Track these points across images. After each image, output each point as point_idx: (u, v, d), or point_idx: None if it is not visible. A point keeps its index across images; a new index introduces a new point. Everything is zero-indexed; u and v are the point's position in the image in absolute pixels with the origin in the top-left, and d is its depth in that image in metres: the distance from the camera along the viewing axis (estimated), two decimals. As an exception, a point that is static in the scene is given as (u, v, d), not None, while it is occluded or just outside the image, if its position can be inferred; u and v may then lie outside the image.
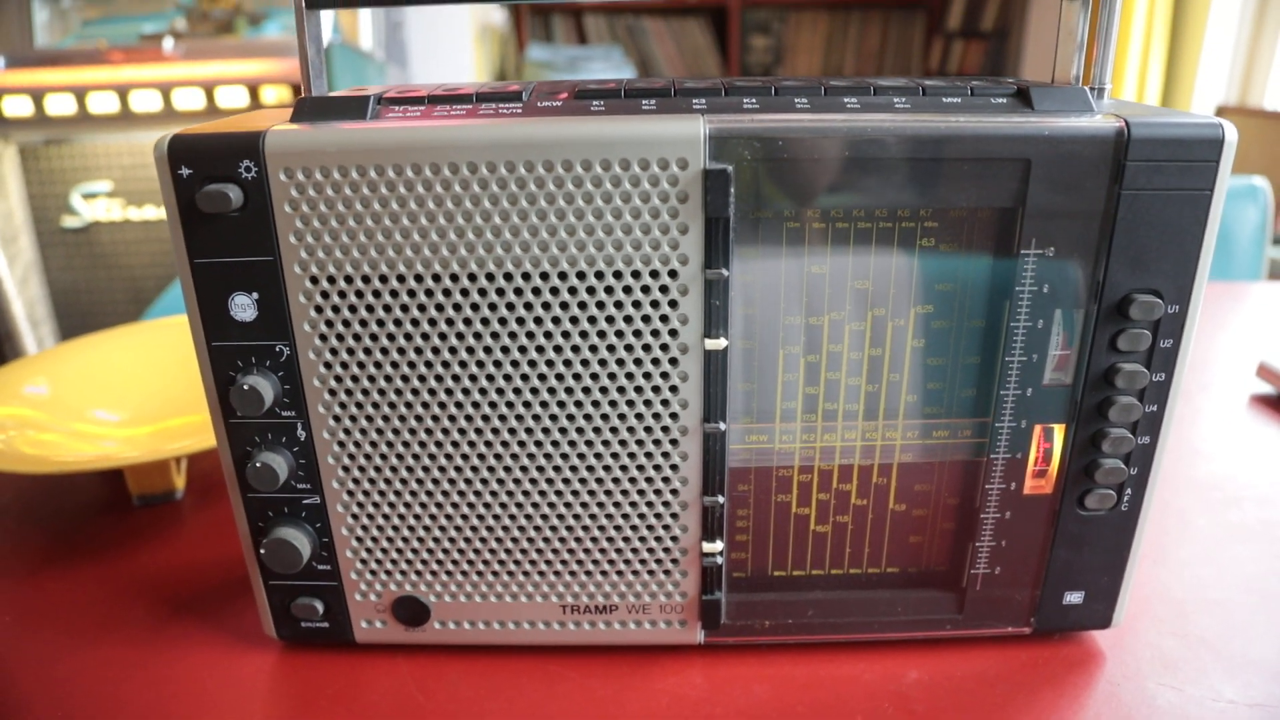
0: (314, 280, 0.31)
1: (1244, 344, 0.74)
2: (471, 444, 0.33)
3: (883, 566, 0.37)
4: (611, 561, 0.35)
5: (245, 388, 0.31)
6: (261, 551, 0.34)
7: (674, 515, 0.34)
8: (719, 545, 0.34)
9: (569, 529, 0.34)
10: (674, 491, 0.34)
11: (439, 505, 0.34)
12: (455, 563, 0.35)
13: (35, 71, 1.24)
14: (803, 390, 0.33)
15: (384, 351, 0.31)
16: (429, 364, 0.32)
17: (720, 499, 0.34)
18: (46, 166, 1.36)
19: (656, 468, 0.33)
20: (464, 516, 0.34)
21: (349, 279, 0.30)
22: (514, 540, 0.35)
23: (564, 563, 0.35)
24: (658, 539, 0.35)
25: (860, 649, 0.37)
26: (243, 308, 0.31)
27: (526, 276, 0.30)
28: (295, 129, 0.29)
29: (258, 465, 0.32)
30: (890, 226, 0.31)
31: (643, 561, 0.35)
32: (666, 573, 0.35)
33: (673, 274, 0.30)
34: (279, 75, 1.23)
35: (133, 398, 0.55)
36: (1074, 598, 0.36)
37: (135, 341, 0.59)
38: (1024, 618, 0.36)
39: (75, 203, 1.39)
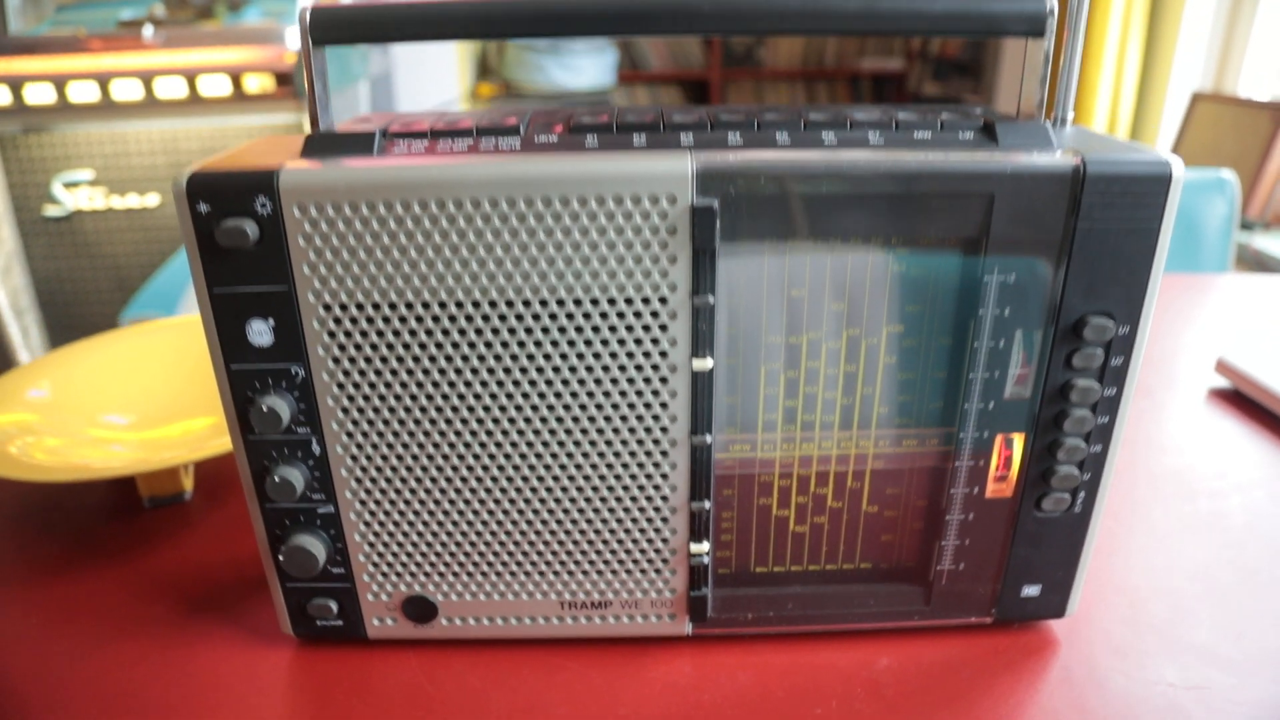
0: (327, 308, 0.33)
1: (1207, 338, 0.78)
2: (476, 456, 0.35)
3: (856, 562, 0.39)
4: (606, 562, 0.38)
5: (265, 409, 0.33)
6: (280, 558, 0.36)
7: (664, 519, 0.37)
8: (705, 546, 0.37)
9: (566, 533, 0.37)
10: (664, 498, 0.36)
11: (445, 512, 0.36)
12: (461, 565, 0.38)
13: (13, 60, 1.23)
14: (783, 403, 0.36)
15: (393, 373, 0.34)
16: (436, 384, 0.34)
17: (706, 504, 0.36)
18: (26, 155, 1.35)
19: (648, 476, 0.36)
20: (469, 523, 0.37)
21: (360, 306, 0.33)
22: (515, 543, 0.37)
23: (562, 563, 0.38)
24: (649, 541, 0.37)
25: (836, 638, 0.40)
26: (259, 333, 0.33)
27: (526, 303, 0.32)
28: (308, 166, 0.31)
29: (276, 480, 0.34)
30: (865, 254, 0.33)
31: (635, 561, 0.38)
32: (657, 571, 0.38)
33: (663, 300, 0.33)
34: (262, 63, 1.23)
35: (139, 400, 0.57)
36: (1031, 590, 0.39)
37: (137, 344, 0.60)
38: (986, 608, 0.40)
39: (57, 191, 1.38)
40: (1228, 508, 0.50)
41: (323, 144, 0.33)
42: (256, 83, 1.22)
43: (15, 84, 1.23)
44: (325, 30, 0.32)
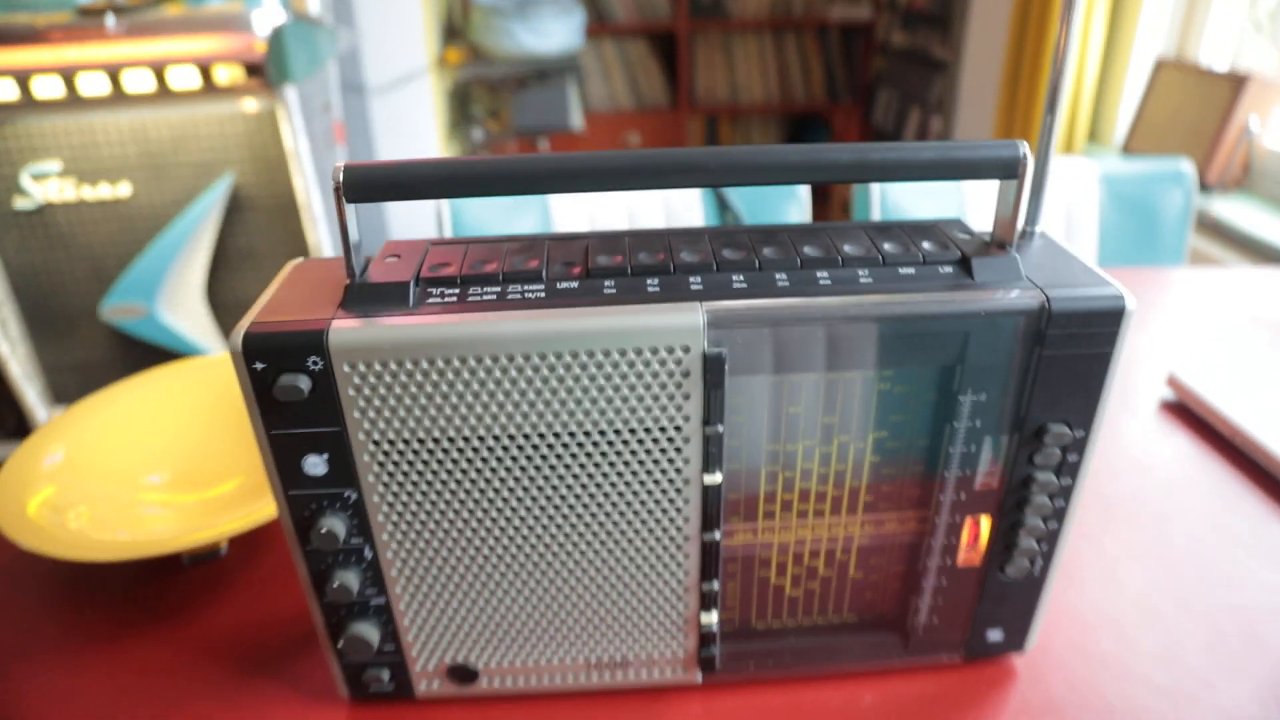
0: (375, 443, 0.36)
1: (1161, 341, 0.83)
2: (513, 556, 0.40)
3: (844, 616, 0.45)
4: (628, 632, 0.43)
5: (323, 531, 0.37)
6: (340, 645, 0.41)
7: (678, 597, 0.42)
8: (714, 615, 0.42)
9: (594, 612, 0.42)
10: (678, 581, 0.41)
11: (485, 601, 0.41)
12: (499, 640, 0.42)
13: (-29, 53, 1.19)
14: (780, 497, 0.40)
15: (438, 494, 0.38)
16: (476, 502, 0.38)
17: (715, 584, 0.41)
18: (-8, 147, 1.33)
19: (665, 565, 0.41)
20: (506, 608, 0.41)
21: (405, 441, 0.36)
22: (548, 621, 0.42)
23: (589, 635, 0.43)
24: (665, 614, 0.42)
25: (826, 679, 0.46)
26: (314, 465, 0.37)
27: (556, 435, 0.36)
28: (353, 325, 0.34)
29: (335, 585, 0.39)
30: (855, 378, 0.37)
31: (653, 630, 0.43)
32: (672, 636, 0.43)
33: (677, 428, 0.37)
34: (230, 53, 1.21)
35: (162, 455, 0.60)
36: (995, 635, 0.45)
37: (148, 394, 0.63)
38: (956, 650, 0.45)
39: (25, 184, 1.36)
40: (1170, 533, 0.56)
41: (361, 295, 0.36)
42: (226, 74, 1.20)
43: (-26, 78, 1.20)
44: (358, 190, 0.35)
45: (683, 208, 1.09)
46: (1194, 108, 1.70)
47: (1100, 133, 2.01)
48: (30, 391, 1.61)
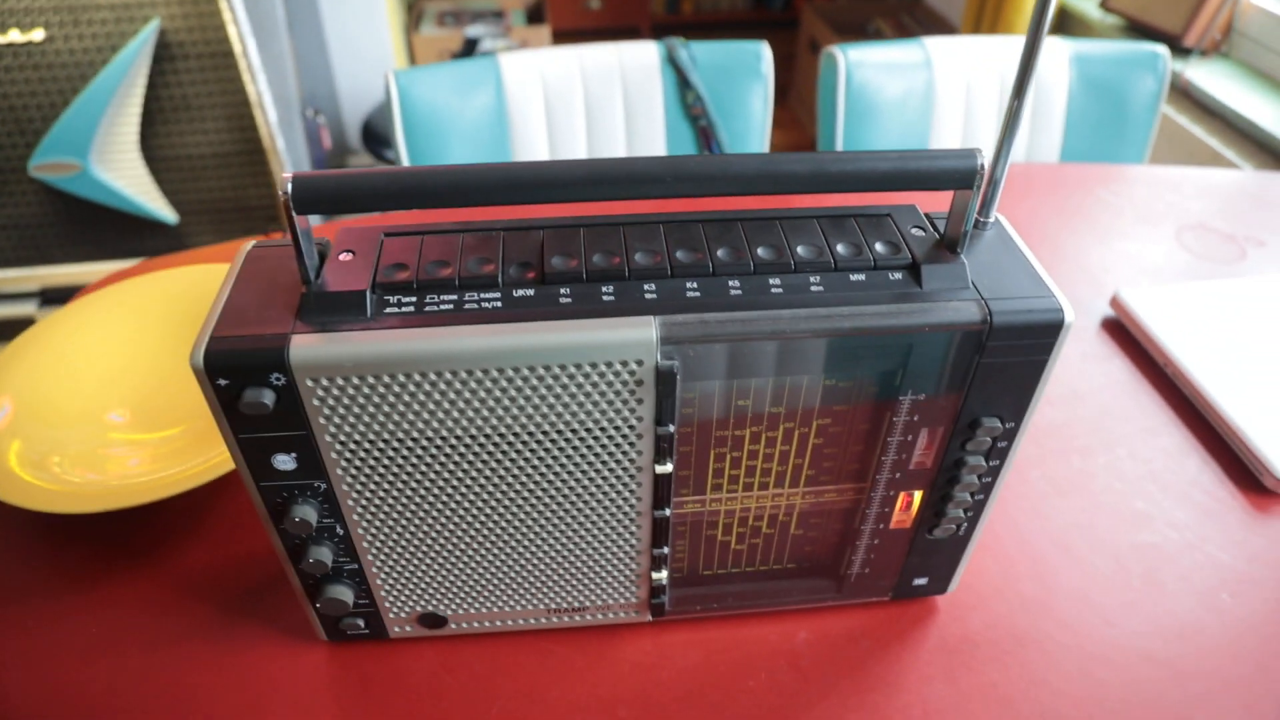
0: (342, 443, 0.37)
1: (1110, 252, 0.85)
2: (477, 530, 0.42)
3: (784, 564, 0.49)
4: (585, 585, 0.46)
5: (296, 519, 0.39)
6: (318, 606, 0.44)
7: (630, 559, 0.45)
8: (664, 574, 0.46)
9: (553, 571, 0.45)
10: (632, 547, 0.44)
11: (452, 566, 0.44)
12: (465, 594, 0.46)
13: None
14: (728, 473, 0.43)
15: (404, 482, 0.39)
16: (440, 489, 0.40)
17: (665, 549, 0.45)
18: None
19: (620, 535, 0.43)
20: (471, 571, 0.44)
21: (371, 441, 0.38)
22: (511, 580, 0.45)
23: (548, 589, 0.46)
24: (619, 571, 0.46)
25: (765, 617, 0.51)
26: (284, 462, 0.38)
27: (515, 435, 0.38)
28: (313, 343, 0.34)
29: (311, 560, 0.41)
30: (801, 378, 0.39)
31: (607, 584, 0.47)
32: (625, 589, 0.47)
33: (631, 427, 0.38)
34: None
35: (123, 387, 0.60)
36: (921, 581, 0.50)
37: (85, 322, 0.62)
38: (885, 592, 0.50)
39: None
40: (1094, 468, 0.61)
41: (318, 304, 0.36)
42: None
43: None
44: (308, 203, 0.34)
45: (642, 84, 1.04)
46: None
47: (1085, -19, 1.91)
48: (-33, 254, 1.55)
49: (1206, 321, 0.71)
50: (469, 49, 2.09)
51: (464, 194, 0.34)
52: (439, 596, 0.46)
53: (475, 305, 0.36)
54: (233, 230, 1.63)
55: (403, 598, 0.46)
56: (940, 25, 2.50)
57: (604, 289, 0.37)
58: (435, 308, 0.36)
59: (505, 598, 0.47)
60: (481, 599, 0.46)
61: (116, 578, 0.52)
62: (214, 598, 0.51)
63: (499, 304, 0.36)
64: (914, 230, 0.40)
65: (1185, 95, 1.55)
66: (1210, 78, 1.55)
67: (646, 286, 0.37)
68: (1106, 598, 0.52)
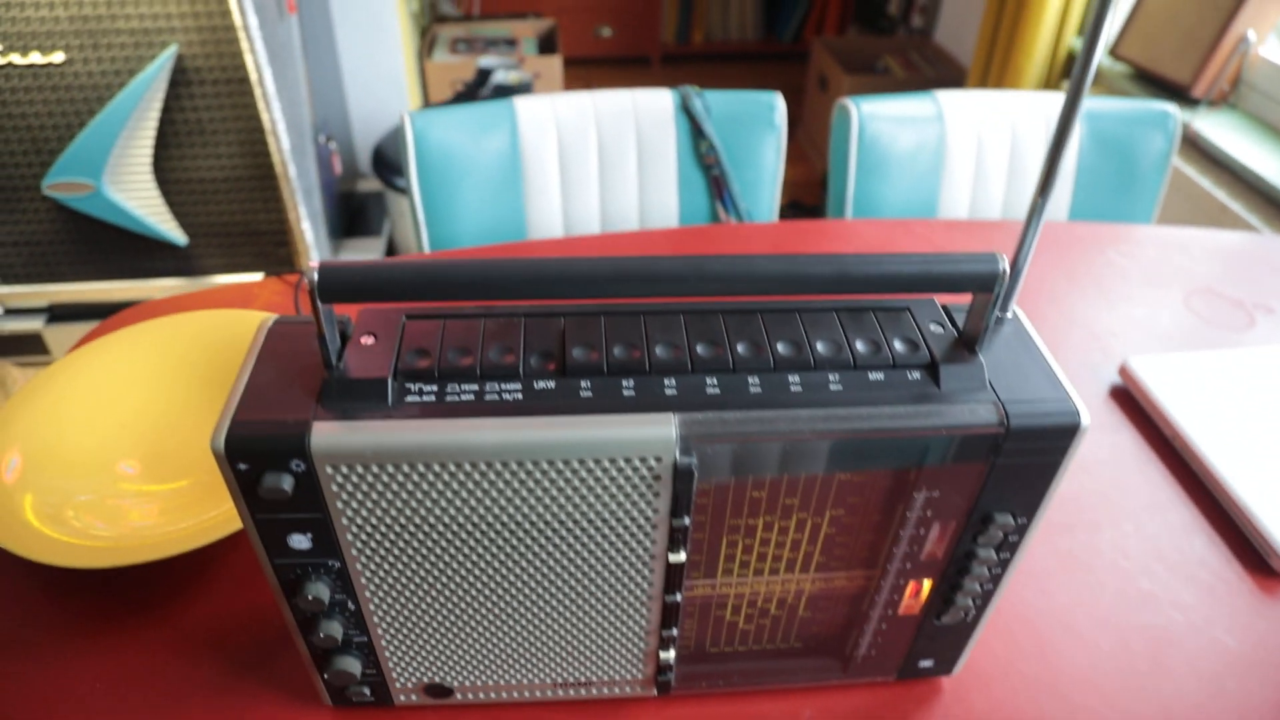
0: (359, 526, 0.38)
1: (1118, 317, 0.85)
2: (488, 609, 0.42)
3: (790, 643, 0.49)
4: (592, 662, 0.46)
5: (310, 596, 0.39)
6: (325, 676, 0.44)
7: (639, 639, 0.45)
8: (671, 653, 0.46)
9: (561, 649, 0.45)
10: (640, 626, 0.44)
11: (462, 642, 0.44)
12: (471, 670, 0.46)
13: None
14: (739, 558, 0.43)
15: (419, 564, 0.39)
16: (455, 570, 0.40)
17: (674, 630, 0.45)
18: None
19: (629, 617, 0.43)
20: (480, 648, 0.44)
21: (388, 525, 0.38)
22: (518, 656, 0.45)
23: (556, 664, 0.46)
24: (627, 649, 0.46)
25: (770, 694, 0.51)
26: (299, 542, 0.38)
27: (533, 523, 0.38)
28: (334, 431, 0.35)
29: (322, 635, 0.41)
30: (816, 471, 0.39)
31: (614, 661, 0.46)
32: (631, 664, 0.47)
33: (646, 518, 0.38)
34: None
35: (132, 435, 0.60)
36: (927, 663, 0.50)
37: (91, 367, 0.62)
38: (890, 672, 0.50)
39: (-51, 52, 1.26)
40: (1100, 543, 0.61)
41: (340, 390, 0.36)
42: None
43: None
44: (333, 293, 0.34)
45: (656, 130, 1.05)
46: (1192, 12, 1.64)
47: (1095, 28, 1.93)
48: (-24, 270, 1.56)
49: (1215, 393, 0.71)
50: (482, 79, 2.11)
51: (488, 289, 0.34)
52: (446, 668, 0.46)
53: (496, 396, 0.36)
54: (242, 253, 1.64)
55: (410, 668, 0.46)
56: (949, 63, 2.52)
57: (624, 383, 0.37)
58: (456, 397, 0.36)
59: (512, 671, 0.46)
60: (489, 672, 0.46)
61: (121, 629, 0.52)
62: (218, 654, 0.51)
63: (520, 395, 0.36)
64: (933, 326, 0.40)
65: (1193, 146, 1.56)
66: (1218, 129, 1.56)
67: (667, 381, 0.37)
68: (1111, 681, 0.52)
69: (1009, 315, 0.42)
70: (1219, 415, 0.69)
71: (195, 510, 0.56)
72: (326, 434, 0.35)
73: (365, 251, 1.98)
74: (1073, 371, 0.77)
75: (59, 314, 1.71)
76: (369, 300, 0.35)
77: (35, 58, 1.32)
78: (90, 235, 1.57)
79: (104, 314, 1.68)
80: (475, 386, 0.37)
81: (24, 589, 0.54)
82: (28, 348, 1.72)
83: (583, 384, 0.37)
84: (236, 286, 0.83)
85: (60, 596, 0.54)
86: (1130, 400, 0.74)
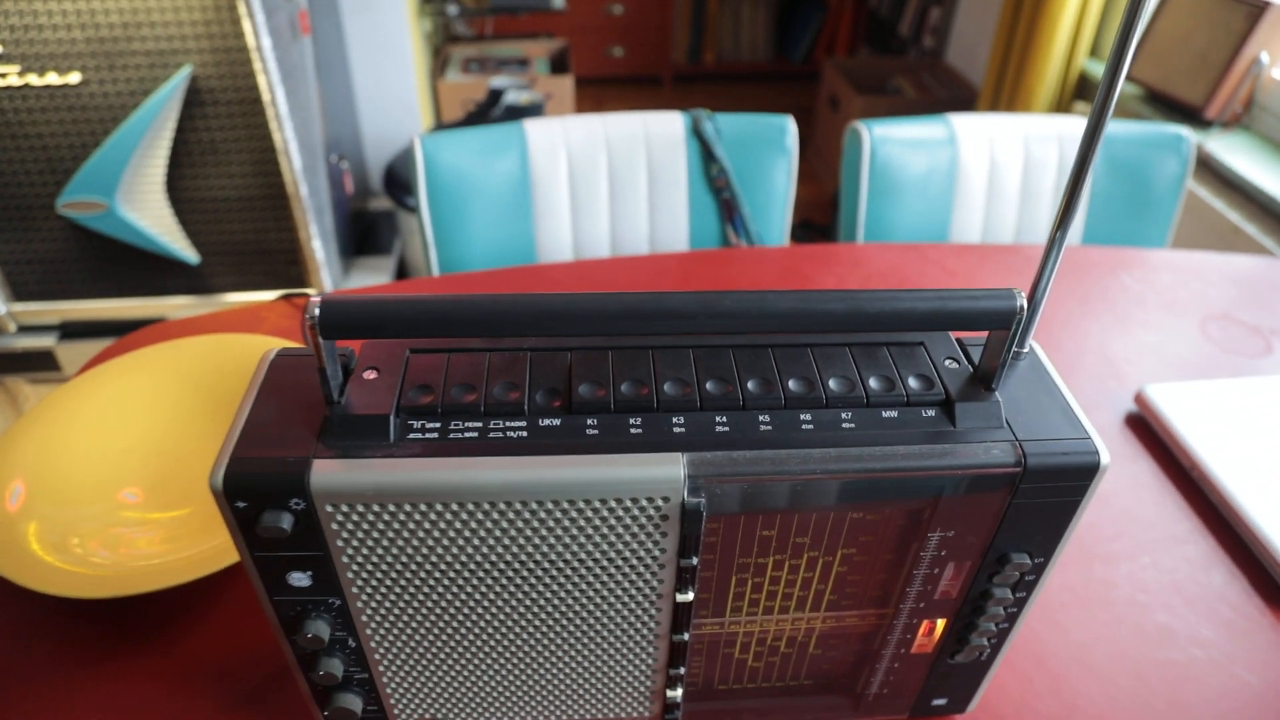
0: (359, 565, 0.37)
1: (1134, 344, 0.84)
2: (491, 648, 0.41)
3: (800, 681, 0.48)
4: (598, 701, 0.45)
5: (309, 634, 0.38)
6: (326, 713, 0.43)
7: (646, 677, 0.44)
8: (679, 692, 0.45)
9: (566, 686, 0.44)
10: (647, 665, 0.43)
11: (464, 681, 0.43)
12: (474, 707, 0.45)
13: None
14: (748, 597, 0.42)
15: (420, 602, 0.39)
16: (458, 609, 0.39)
17: (681, 669, 0.44)
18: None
19: (636, 656, 0.43)
20: (482, 686, 0.44)
21: (389, 564, 0.37)
22: (520, 695, 0.44)
23: (560, 703, 0.45)
24: (633, 688, 0.45)
25: (782, 732, 0.49)
26: (299, 580, 0.37)
27: (537, 562, 0.37)
28: (335, 469, 0.34)
29: (322, 673, 0.40)
30: (827, 510, 0.38)
31: (620, 700, 0.45)
32: (638, 702, 0.46)
33: (654, 558, 0.38)
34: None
35: (133, 462, 0.60)
36: (940, 701, 0.48)
37: (91, 394, 0.62)
38: (902, 710, 0.49)
39: (-34, 73, 1.27)
40: (1117, 577, 0.59)
41: (341, 427, 0.35)
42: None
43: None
44: (335, 329, 0.33)
45: (666, 153, 1.05)
46: (1205, 34, 1.63)
47: (1103, 49, 1.93)
48: (-10, 287, 1.57)
49: (1233, 422, 0.70)
50: (493, 99, 2.12)
51: (494, 326, 0.34)
52: (449, 707, 0.45)
53: (500, 435, 0.36)
54: (253, 272, 1.64)
55: (412, 706, 0.45)
56: (961, 84, 2.52)
57: (632, 420, 0.36)
58: (459, 435, 0.36)
59: (516, 709, 0.46)
60: (492, 710, 0.45)
61: (120, 658, 0.52)
62: (218, 685, 0.51)
63: (524, 434, 0.36)
64: (947, 362, 0.40)
65: (1206, 168, 1.55)
66: (1231, 151, 1.55)
67: (675, 419, 0.36)
68: (1128, 719, 0.51)
69: (1026, 350, 0.41)
70: (1237, 445, 0.67)
71: (198, 539, 0.56)
72: (327, 472, 0.34)
73: (376, 270, 1.98)
74: (1087, 400, 0.76)
75: (71, 331, 1.72)
76: (371, 335, 0.34)
77: (52, 78, 1.34)
78: (103, 253, 1.58)
79: (116, 331, 1.69)
80: (479, 424, 0.36)
81: (25, 618, 0.54)
82: (40, 364, 1.73)
83: (589, 422, 0.36)
84: (245, 309, 0.83)
85: (61, 626, 0.54)
86: (1146, 429, 0.72)
